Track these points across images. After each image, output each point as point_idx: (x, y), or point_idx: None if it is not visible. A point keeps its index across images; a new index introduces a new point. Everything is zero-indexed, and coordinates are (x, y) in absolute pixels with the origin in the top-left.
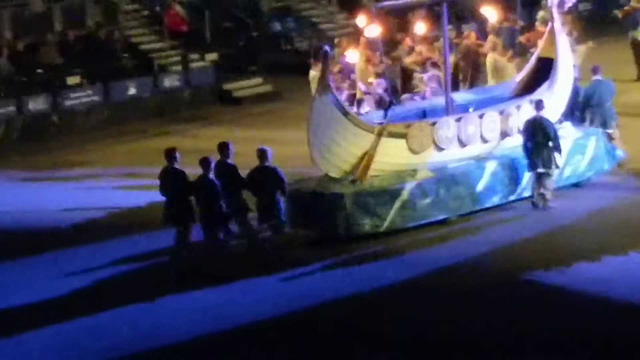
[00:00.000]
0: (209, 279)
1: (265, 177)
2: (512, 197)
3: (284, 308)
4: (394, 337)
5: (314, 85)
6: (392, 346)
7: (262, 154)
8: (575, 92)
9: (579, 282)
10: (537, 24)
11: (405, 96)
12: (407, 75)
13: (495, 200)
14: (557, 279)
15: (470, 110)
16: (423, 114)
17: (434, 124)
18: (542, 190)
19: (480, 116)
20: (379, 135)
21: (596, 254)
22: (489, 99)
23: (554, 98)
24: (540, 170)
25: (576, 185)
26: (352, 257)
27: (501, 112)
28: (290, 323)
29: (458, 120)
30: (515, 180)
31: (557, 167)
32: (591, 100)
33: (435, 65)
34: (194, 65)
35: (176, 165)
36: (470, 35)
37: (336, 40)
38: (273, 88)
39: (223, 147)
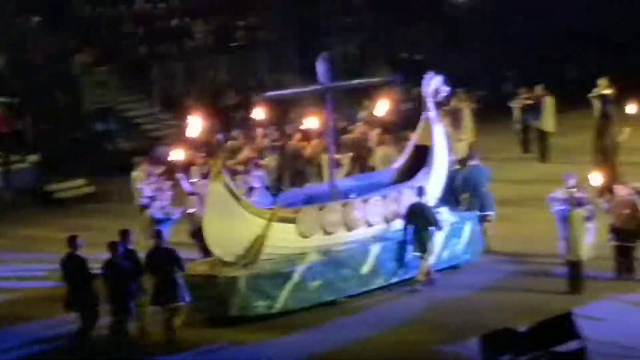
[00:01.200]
0: None
1: (163, 258)
2: (395, 279)
3: None
4: None
5: (136, 185)
6: None
7: (158, 234)
8: (452, 177)
9: None
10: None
11: None
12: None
13: (379, 282)
14: (459, 352)
15: (352, 196)
16: (309, 200)
17: (321, 208)
18: (416, 273)
19: (365, 201)
20: (270, 220)
21: (483, 328)
22: (369, 185)
23: (431, 184)
24: (417, 253)
25: (454, 267)
26: (247, 337)
27: (384, 197)
28: None
29: (344, 205)
30: (398, 262)
31: (432, 251)
32: (468, 185)
33: (258, 166)
34: (14, 166)
35: (78, 252)
36: (355, 129)
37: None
38: (96, 189)
39: (125, 234)
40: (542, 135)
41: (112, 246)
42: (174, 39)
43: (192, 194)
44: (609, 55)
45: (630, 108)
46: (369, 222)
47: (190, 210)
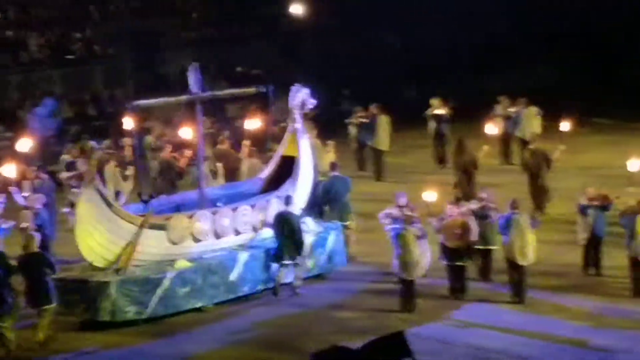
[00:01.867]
0: None
1: (35, 261)
2: (261, 287)
3: None
4: None
5: None
6: None
7: (30, 238)
8: (315, 188)
9: None
10: None
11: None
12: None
13: (246, 289)
14: None
15: (219, 204)
16: (178, 208)
17: (191, 216)
18: (291, 280)
19: (234, 210)
20: (141, 226)
21: (352, 336)
22: (237, 194)
23: (297, 194)
24: (287, 261)
25: (320, 276)
26: (116, 342)
27: (252, 206)
28: None
29: (214, 213)
30: (264, 270)
31: (302, 257)
32: (329, 195)
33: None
34: None
35: None
36: (224, 141)
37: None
38: None
39: None
40: (377, 153)
41: None
42: (9, 50)
43: (25, 207)
44: (456, 76)
45: (489, 128)
46: (237, 231)
47: (23, 225)
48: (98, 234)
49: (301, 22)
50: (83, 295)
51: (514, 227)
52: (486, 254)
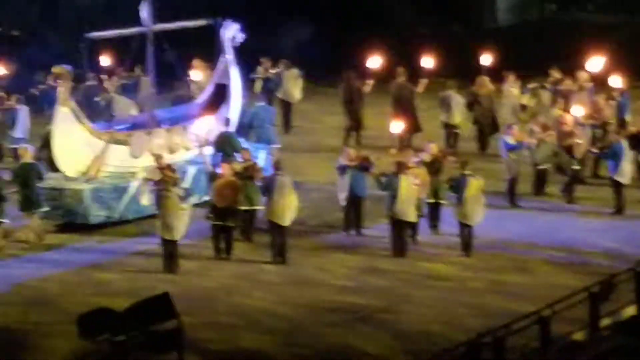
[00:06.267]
0: None
1: (28, 172)
2: (206, 198)
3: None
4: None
5: None
6: None
7: (24, 150)
8: (242, 113)
9: None
10: None
11: None
12: None
13: (194, 200)
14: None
15: (165, 125)
16: (134, 127)
17: (149, 133)
18: None
19: (184, 128)
20: (107, 141)
21: (116, 298)
22: (180, 117)
23: (231, 117)
24: None
25: None
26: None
27: (198, 127)
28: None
29: (168, 131)
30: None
31: None
32: (256, 121)
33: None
34: None
35: None
36: None
37: None
38: None
39: None
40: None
41: None
42: None
43: None
44: None
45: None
46: (187, 147)
47: None
48: (70, 147)
49: None
50: (62, 201)
51: (277, 188)
52: (250, 215)
